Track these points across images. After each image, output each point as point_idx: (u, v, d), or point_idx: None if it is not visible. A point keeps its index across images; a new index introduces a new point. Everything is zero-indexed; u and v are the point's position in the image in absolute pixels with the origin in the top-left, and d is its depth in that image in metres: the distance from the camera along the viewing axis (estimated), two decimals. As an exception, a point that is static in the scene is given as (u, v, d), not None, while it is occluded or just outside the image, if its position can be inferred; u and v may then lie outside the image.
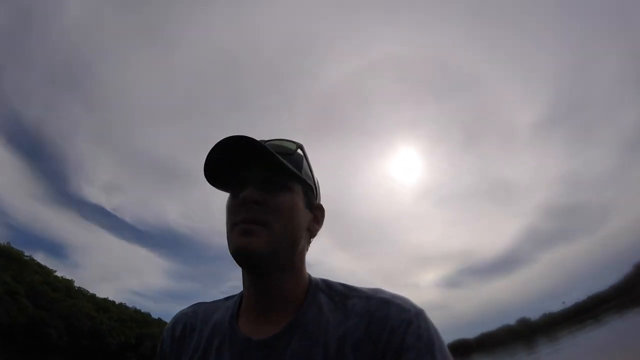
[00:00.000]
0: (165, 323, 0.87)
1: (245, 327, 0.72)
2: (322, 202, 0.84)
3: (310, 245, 0.80)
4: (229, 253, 0.69)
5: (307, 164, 0.79)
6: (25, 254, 52.16)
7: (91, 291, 60.14)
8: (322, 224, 0.82)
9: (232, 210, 0.71)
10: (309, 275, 0.78)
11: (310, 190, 0.78)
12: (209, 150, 0.69)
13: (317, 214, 0.80)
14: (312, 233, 0.79)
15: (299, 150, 0.78)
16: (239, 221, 0.68)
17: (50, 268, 56.37)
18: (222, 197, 0.76)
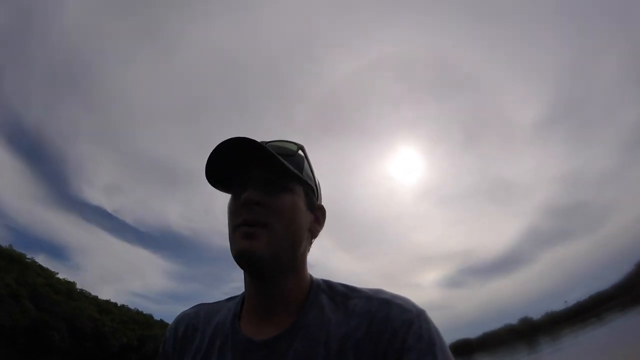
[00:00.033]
0: (167, 324, 0.87)
1: (247, 328, 0.73)
2: (322, 203, 0.84)
3: (312, 246, 0.81)
4: (231, 255, 0.70)
5: (308, 165, 0.79)
6: (27, 256, 52.37)
7: (93, 293, 60.37)
8: (323, 225, 0.82)
9: (234, 211, 0.71)
10: (311, 276, 0.78)
11: (311, 191, 0.78)
12: (210, 152, 0.70)
13: (318, 215, 0.81)
14: (314, 234, 0.80)
15: (300, 152, 0.79)
16: (241, 223, 0.68)
17: (52, 270, 56.55)
18: (223, 198, 0.77)
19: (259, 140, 0.71)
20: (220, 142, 0.69)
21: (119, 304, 64.31)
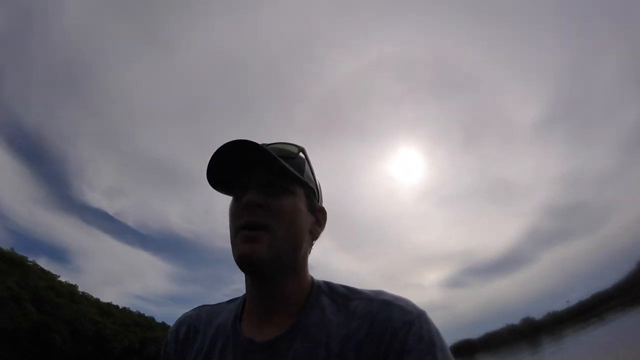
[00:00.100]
0: (169, 327, 0.88)
1: (248, 329, 0.73)
2: (323, 204, 0.85)
3: (313, 247, 0.81)
4: (233, 258, 0.70)
5: (308, 167, 0.79)
6: (29, 259, 52.38)
7: (94, 296, 60.33)
8: (324, 227, 0.82)
9: (235, 213, 0.72)
10: (311, 277, 0.78)
11: (312, 193, 0.79)
12: (210, 153, 0.70)
13: (319, 217, 0.81)
14: (314, 235, 0.80)
15: (301, 154, 0.79)
16: (242, 225, 0.69)
17: (54, 273, 56.54)
18: (224, 200, 0.77)
19: (259, 142, 0.71)
20: (221, 144, 0.69)
21: (120, 307, 64.40)
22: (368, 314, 0.68)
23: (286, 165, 0.70)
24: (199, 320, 0.82)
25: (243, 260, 0.68)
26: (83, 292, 57.85)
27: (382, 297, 0.71)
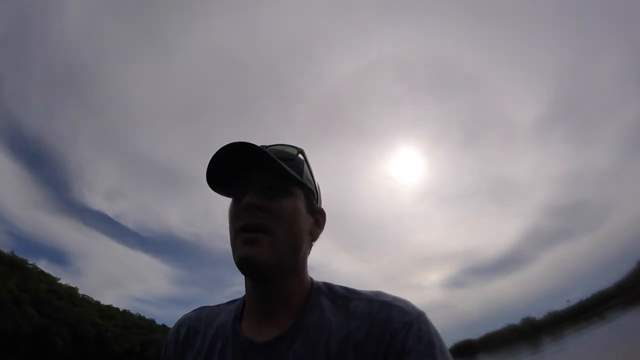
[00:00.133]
0: (169, 329, 0.88)
1: (248, 330, 0.74)
2: (323, 205, 0.85)
3: (312, 248, 0.82)
4: (233, 260, 0.70)
5: (308, 169, 0.80)
6: (29, 262, 52.33)
7: (95, 298, 60.27)
8: (323, 228, 0.82)
9: (235, 215, 0.72)
10: (311, 278, 0.79)
11: (311, 195, 0.79)
12: (210, 154, 0.70)
13: (318, 218, 0.82)
14: (314, 237, 0.80)
15: (300, 155, 0.79)
16: (242, 227, 0.69)
17: (54, 276, 56.50)
18: (224, 202, 0.77)
19: (259, 143, 0.72)
20: (221, 145, 0.69)
21: (121, 309, 64.49)
22: (367, 314, 0.69)
23: (285, 167, 0.70)
24: (199, 322, 0.82)
25: (243, 263, 0.68)
26: (83, 295, 57.92)
27: (382, 297, 0.71)
